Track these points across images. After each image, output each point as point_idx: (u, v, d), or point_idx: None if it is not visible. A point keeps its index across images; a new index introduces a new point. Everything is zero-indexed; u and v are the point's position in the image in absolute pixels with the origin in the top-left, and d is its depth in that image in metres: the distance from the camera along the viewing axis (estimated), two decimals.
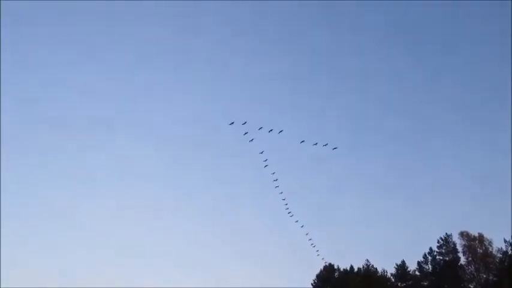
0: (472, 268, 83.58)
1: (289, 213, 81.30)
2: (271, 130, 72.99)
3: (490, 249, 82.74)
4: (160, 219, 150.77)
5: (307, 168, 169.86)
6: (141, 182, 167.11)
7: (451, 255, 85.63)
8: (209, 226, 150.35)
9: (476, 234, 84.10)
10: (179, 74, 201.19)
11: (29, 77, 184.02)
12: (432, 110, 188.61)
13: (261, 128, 72.35)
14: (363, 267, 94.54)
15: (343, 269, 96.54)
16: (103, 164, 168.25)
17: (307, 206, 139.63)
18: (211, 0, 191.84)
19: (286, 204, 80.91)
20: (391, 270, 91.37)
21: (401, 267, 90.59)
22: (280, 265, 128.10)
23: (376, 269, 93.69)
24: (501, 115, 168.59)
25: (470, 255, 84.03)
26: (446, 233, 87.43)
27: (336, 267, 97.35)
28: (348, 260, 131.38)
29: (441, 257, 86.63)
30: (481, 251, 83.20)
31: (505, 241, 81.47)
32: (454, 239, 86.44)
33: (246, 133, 72.11)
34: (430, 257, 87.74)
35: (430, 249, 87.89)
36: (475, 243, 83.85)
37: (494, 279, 79.65)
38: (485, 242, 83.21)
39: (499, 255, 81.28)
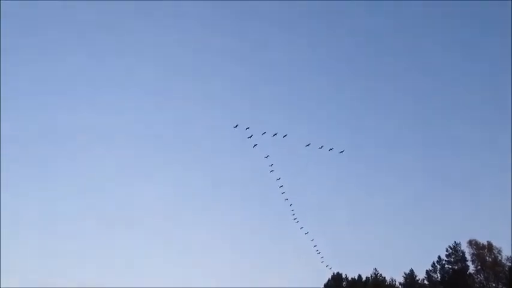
0: (481, 277, 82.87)
1: (295, 219, 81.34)
2: (275, 134, 73.20)
3: (499, 258, 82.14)
4: (161, 224, 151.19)
5: (313, 173, 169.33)
6: (144, 186, 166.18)
7: (459, 264, 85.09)
8: (209, 229, 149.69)
9: (485, 243, 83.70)
10: (179, 77, 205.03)
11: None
12: (439, 114, 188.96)
13: (264, 132, 72.57)
14: (371, 276, 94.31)
15: (351, 278, 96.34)
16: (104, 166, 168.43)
17: (313, 212, 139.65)
18: (215, 1, 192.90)
19: (293, 211, 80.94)
20: (399, 279, 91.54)
21: (410, 276, 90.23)
22: (285, 272, 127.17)
23: (384, 278, 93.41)
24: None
25: (479, 263, 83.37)
26: (454, 242, 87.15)
27: (343, 276, 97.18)
28: (355, 268, 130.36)
29: (450, 266, 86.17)
30: (490, 259, 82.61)
31: None
32: (462, 248, 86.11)
33: (250, 136, 72.28)
34: (438, 266, 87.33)
35: (439, 257, 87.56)
36: (484, 252, 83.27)
37: None
38: (494, 251, 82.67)
39: (509, 263, 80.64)
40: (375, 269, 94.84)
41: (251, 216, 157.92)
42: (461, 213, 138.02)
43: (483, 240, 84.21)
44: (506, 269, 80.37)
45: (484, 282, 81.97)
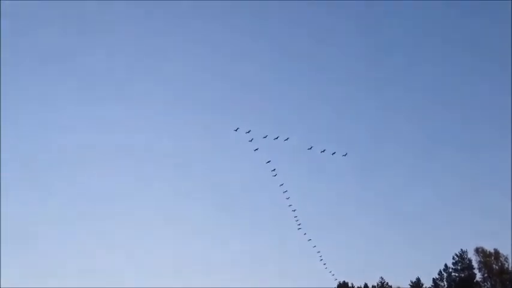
0: (488, 285, 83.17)
1: (298, 225, 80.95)
2: (276, 137, 72.76)
3: (506, 266, 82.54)
4: (163, 231, 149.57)
5: (316, 178, 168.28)
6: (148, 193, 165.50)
7: (466, 272, 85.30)
8: (209, 235, 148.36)
9: (492, 250, 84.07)
10: (180, 80, 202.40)
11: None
12: (446, 120, 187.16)
13: (266, 136, 72.14)
14: (378, 284, 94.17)
15: (357, 287, 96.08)
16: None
17: (317, 218, 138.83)
18: (218, 2, 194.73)
19: (296, 217, 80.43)
20: (406, 287, 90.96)
21: (417, 285, 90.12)
22: (288, 281, 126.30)
23: (390, 286, 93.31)
24: None
25: (486, 271, 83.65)
26: (461, 249, 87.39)
27: (350, 285, 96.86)
28: (361, 277, 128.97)
29: (457, 274, 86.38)
30: (497, 267, 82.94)
31: None
32: (469, 255, 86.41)
33: (251, 140, 71.85)
34: (445, 274, 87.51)
35: (445, 265, 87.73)
36: (491, 260, 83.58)
37: None
38: (501, 258, 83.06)
39: None
40: (381, 278, 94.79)
41: (253, 223, 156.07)
42: (468, 221, 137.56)
43: (490, 248, 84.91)
44: None
45: None
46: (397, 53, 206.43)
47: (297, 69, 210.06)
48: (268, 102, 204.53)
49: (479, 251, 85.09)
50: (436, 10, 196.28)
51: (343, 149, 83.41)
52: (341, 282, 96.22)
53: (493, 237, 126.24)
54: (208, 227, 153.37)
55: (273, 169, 74.93)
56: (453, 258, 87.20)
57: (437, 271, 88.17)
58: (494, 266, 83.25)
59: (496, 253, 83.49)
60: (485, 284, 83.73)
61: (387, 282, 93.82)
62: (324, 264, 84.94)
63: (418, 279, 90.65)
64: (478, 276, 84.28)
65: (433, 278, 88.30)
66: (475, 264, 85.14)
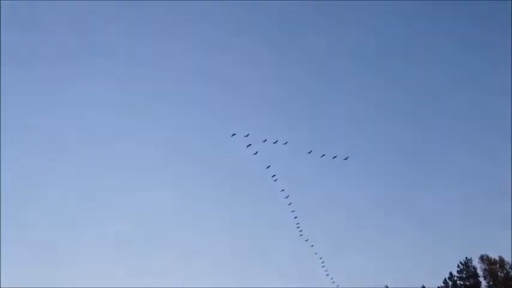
0: None
1: (300, 232, 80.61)
2: (275, 141, 72.38)
3: (511, 273, 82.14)
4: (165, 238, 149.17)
5: (318, 183, 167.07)
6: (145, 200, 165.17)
7: (471, 280, 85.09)
8: (209, 242, 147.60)
9: (497, 258, 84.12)
10: (180, 84, 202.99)
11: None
12: (451, 125, 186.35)
13: (265, 140, 71.76)
14: None
15: None
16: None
17: (320, 225, 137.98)
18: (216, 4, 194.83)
19: (298, 224, 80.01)
20: None
21: None
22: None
23: None
24: None
25: (491, 279, 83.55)
26: (466, 257, 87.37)
27: None
28: (364, 285, 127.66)
29: (462, 282, 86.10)
30: (502, 274, 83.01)
31: None
32: (474, 263, 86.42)
33: (249, 145, 71.45)
34: (450, 282, 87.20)
35: (450, 274, 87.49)
36: (496, 267, 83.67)
37: None
38: (506, 266, 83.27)
39: None
40: (386, 287, 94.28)
41: (252, 228, 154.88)
42: (473, 228, 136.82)
43: (495, 256, 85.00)
44: None
45: None
46: (400, 53, 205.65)
47: (297, 71, 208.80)
48: (265, 105, 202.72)
49: (484, 258, 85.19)
50: (442, 10, 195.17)
51: (345, 152, 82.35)
52: None
53: (498, 244, 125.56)
54: (204, 232, 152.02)
55: (273, 175, 74.75)
56: (458, 266, 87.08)
57: (442, 279, 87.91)
58: (499, 273, 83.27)
59: (501, 261, 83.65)
60: None
61: None
62: (326, 270, 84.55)
63: None
64: (484, 284, 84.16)
65: (438, 287, 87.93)
66: (480, 272, 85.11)
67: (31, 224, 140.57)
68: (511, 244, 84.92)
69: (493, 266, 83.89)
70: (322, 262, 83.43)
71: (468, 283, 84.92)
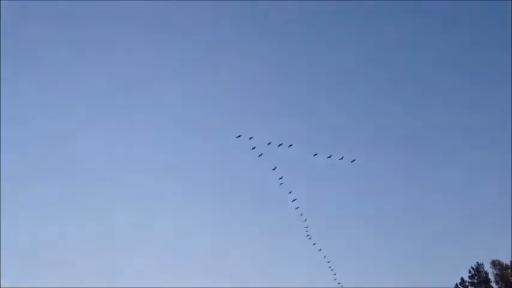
0: None
1: (308, 236, 79.73)
2: (280, 144, 71.84)
3: None
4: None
5: (322, 185, 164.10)
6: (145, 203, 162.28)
7: (483, 285, 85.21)
8: (214, 247, 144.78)
9: (509, 263, 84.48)
10: (181, 86, 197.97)
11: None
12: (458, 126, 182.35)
13: (269, 143, 71.12)
14: None
15: None
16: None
17: (326, 227, 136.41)
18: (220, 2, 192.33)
19: (306, 227, 79.08)
20: None
21: None
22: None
23: None
24: None
25: (503, 284, 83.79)
26: (477, 262, 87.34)
27: None
28: None
29: (473, 287, 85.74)
30: None
31: None
32: (485, 268, 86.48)
33: (253, 148, 70.85)
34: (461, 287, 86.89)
35: (462, 279, 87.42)
36: (508, 272, 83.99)
37: None
38: None
39: None
40: None
41: (259, 230, 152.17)
42: (484, 233, 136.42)
43: (506, 260, 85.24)
44: None
45: None
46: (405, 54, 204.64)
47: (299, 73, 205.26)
48: (270, 107, 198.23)
49: (495, 263, 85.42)
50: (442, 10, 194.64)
51: (351, 155, 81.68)
52: None
53: (510, 249, 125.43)
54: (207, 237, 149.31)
55: (280, 177, 73.73)
56: (469, 271, 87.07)
57: (454, 285, 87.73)
58: (511, 278, 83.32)
59: None
60: None
61: None
62: (335, 274, 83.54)
63: None
64: None
65: None
66: (491, 277, 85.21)
67: (31, 223, 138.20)
68: None
69: (504, 271, 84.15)
70: (330, 267, 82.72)
71: None
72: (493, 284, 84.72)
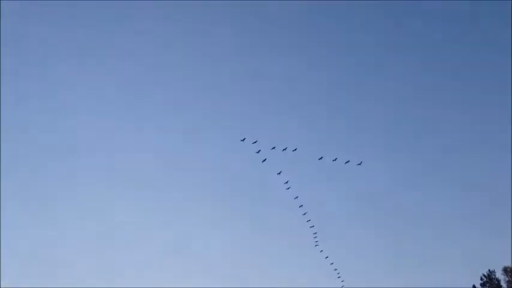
0: None
1: (316, 241, 78.72)
2: (285, 149, 71.47)
3: None
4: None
5: (328, 188, 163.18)
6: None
7: None
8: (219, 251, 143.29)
9: None
10: (183, 89, 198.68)
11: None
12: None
13: (274, 147, 70.76)
14: None
15: None
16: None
17: (333, 232, 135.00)
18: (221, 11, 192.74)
19: (315, 234, 78.12)
20: None
21: None
22: None
23: None
24: None
25: None
26: (489, 270, 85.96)
27: None
28: None
29: None
30: None
31: None
32: (497, 275, 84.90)
33: (258, 151, 70.36)
34: None
35: (473, 286, 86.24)
36: None
37: None
38: None
39: None
40: None
41: (259, 231, 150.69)
42: (495, 239, 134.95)
43: None
44: None
45: None
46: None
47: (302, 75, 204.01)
48: (273, 111, 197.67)
49: (507, 270, 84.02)
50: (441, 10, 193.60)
51: (358, 157, 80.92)
52: None
53: None
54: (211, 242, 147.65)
55: (286, 181, 72.99)
56: (481, 278, 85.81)
57: None
58: None
59: None
60: None
61: None
62: (342, 281, 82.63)
63: None
64: None
65: None
66: (503, 284, 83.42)
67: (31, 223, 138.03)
68: None
69: None
70: (338, 273, 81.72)
71: None
72: None
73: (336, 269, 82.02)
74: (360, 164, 76.32)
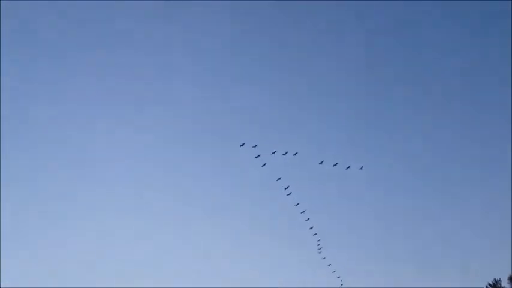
0: None
1: (319, 249, 77.92)
2: (285, 153, 70.93)
3: None
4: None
5: (330, 194, 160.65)
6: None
7: None
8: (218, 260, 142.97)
9: None
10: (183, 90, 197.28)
11: None
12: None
13: (274, 151, 70.14)
14: None
15: None
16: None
17: (335, 238, 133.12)
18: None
19: (318, 241, 77.58)
20: None
21: None
22: None
23: None
24: None
25: None
26: (494, 279, 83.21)
27: None
28: None
29: None
30: None
31: None
32: (503, 284, 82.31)
33: (258, 156, 69.88)
34: None
35: None
36: None
37: None
38: None
39: None
40: None
41: (258, 231, 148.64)
42: (501, 249, 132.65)
43: None
44: None
45: None
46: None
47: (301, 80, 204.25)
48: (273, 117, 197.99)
49: None
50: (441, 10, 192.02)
51: (359, 162, 79.81)
52: None
53: None
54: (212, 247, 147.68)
55: (286, 187, 72.38)
56: (486, 287, 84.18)
57: None
58: None
59: None
60: None
61: None
62: (341, 281, 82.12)
63: None
64: None
65: None
66: None
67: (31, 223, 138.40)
68: None
69: None
70: (341, 281, 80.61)
71: None
72: None
73: (334, 271, 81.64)
74: (361, 169, 75.56)
